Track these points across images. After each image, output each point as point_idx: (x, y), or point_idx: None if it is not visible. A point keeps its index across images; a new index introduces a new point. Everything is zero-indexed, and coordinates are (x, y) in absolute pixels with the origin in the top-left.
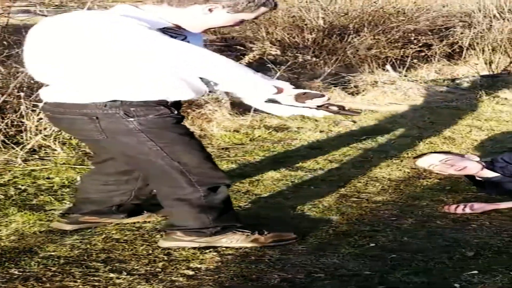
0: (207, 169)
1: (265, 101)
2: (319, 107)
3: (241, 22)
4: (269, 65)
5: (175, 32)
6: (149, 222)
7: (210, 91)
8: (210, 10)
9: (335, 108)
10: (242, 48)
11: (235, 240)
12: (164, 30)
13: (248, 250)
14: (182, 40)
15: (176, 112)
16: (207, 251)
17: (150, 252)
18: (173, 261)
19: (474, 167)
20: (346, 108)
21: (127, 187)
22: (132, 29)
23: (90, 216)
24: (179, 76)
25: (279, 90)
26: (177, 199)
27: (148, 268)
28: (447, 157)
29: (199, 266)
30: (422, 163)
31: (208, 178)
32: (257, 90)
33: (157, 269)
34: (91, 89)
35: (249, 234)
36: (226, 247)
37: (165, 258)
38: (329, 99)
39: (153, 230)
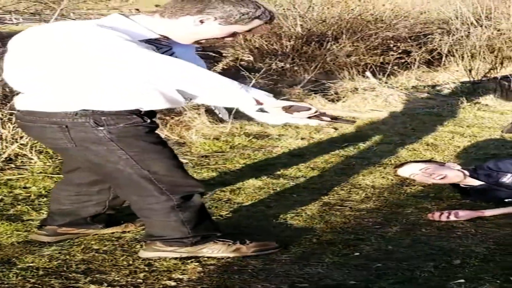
0: (179, 178)
1: (257, 111)
2: (311, 117)
3: (234, 34)
4: (243, 72)
5: (160, 43)
6: (128, 232)
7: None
8: (201, 21)
9: (327, 118)
10: (216, 55)
11: (217, 250)
12: (150, 41)
13: (230, 260)
14: (167, 51)
15: (149, 120)
16: (188, 261)
17: (131, 262)
18: (154, 271)
19: (455, 175)
20: (339, 118)
21: (100, 197)
22: (105, 39)
23: (68, 228)
24: (153, 86)
25: (258, 103)
26: (150, 208)
27: (129, 279)
28: (427, 166)
29: (181, 276)
30: (403, 172)
31: (179, 186)
32: (237, 103)
33: (138, 280)
34: (61, 98)
35: (231, 243)
36: (208, 257)
37: (146, 268)
38: (316, 111)
39: (133, 240)
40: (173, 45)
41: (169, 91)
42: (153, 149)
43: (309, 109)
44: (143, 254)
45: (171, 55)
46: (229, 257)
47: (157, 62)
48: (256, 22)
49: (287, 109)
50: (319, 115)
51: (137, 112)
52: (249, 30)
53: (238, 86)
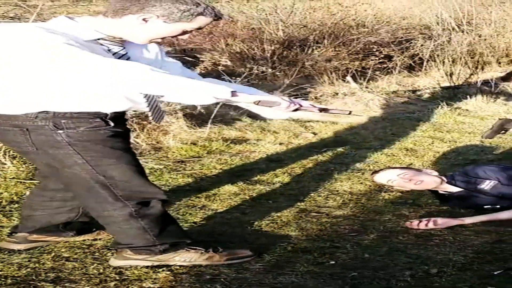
0: (136, 184)
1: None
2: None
3: (186, 32)
4: (223, 76)
5: (110, 45)
6: (99, 239)
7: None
8: (144, 20)
9: (316, 110)
10: (192, 59)
11: (189, 258)
12: (99, 42)
13: (202, 269)
14: (118, 52)
15: (112, 124)
16: (160, 270)
17: (101, 271)
18: (125, 280)
19: (432, 181)
20: (331, 109)
21: (74, 203)
22: (57, 42)
23: (39, 235)
24: (113, 89)
25: (234, 94)
26: (108, 215)
27: None
28: (404, 171)
29: (152, 285)
30: (380, 178)
31: (136, 192)
32: (209, 97)
33: None
34: (22, 100)
35: (203, 251)
36: (180, 266)
37: (117, 277)
38: (289, 105)
39: (104, 248)
40: (128, 46)
41: (130, 93)
42: (112, 154)
43: (279, 103)
44: (114, 262)
45: (123, 55)
46: (201, 266)
47: (116, 66)
48: (202, 19)
49: (257, 104)
50: (307, 107)
51: (101, 116)
52: (199, 28)
53: (206, 81)
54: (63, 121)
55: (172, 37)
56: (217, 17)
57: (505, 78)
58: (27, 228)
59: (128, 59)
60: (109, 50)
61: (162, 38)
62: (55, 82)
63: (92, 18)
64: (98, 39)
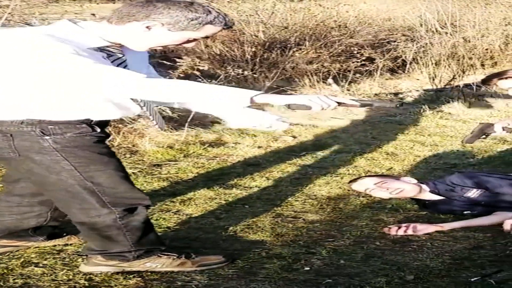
0: (123, 190)
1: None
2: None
3: (191, 41)
4: (199, 79)
5: (111, 51)
6: (70, 245)
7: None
8: (148, 27)
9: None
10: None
11: (161, 264)
12: (101, 49)
13: (174, 275)
14: (118, 59)
15: (98, 130)
16: (130, 276)
17: (71, 277)
18: (94, 287)
19: (411, 189)
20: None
21: (42, 208)
22: (56, 51)
23: (8, 240)
24: (104, 97)
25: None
26: (91, 222)
27: None
28: (382, 180)
29: None
30: (357, 187)
31: (123, 198)
32: (229, 100)
33: None
34: (7, 106)
35: (176, 257)
36: (151, 272)
37: (86, 284)
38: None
39: (74, 253)
40: (126, 52)
41: (121, 101)
42: (99, 160)
43: (310, 107)
44: (84, 268)
45: (122, 62)
46: (173, 272)
47: (110, 75)
48: (210, 28)
49: (288, 108)
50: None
51: (87, 122)
52: (207, 37)
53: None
54: (50, 127)
55: (176, 45)
56: (227, 26)
57: (485, 81)
58: None
59: (125, 66)
60: (109, 56)
61: (163, 46)
62: (46, 90)
63: (97, 24)
64: (103, 46)
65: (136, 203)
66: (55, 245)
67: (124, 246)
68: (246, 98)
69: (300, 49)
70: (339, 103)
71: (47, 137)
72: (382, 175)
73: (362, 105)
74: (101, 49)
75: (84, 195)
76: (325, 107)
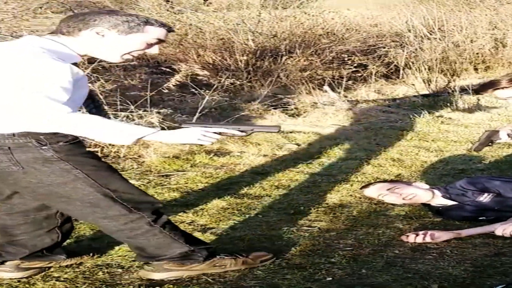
0: (137, 194)
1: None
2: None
3: (151, 45)
4: (193, 90)
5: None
6: (89, 258)
7: None
8: (98, 33)
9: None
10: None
11: (229, 265)
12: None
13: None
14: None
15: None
16: None
17: None
18: None
19: (424, 194)
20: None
21: (49, 222)
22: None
23: (30, 261)
24: None
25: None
26: (126, 228)
27: None
28: (395, 185)
29: None
30: (370, 193)
31: (142, 203)
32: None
33: None
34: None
35: (236, 257)
36: (221, 273)
37: None
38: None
39: (94, 266)
40: None
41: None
42: (103, 166)
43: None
44: (154, 275)
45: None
46: (239, 270)
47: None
48: (152, 29)
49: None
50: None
51: None
52: (161, 40)
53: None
54: (41, 136)
55: (141, 51)
56: (167, 27)
57: (479, 91)
58: (14, 254)
59: None
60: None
61: (130, 53)
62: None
63: (64, 38)
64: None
65: (156, 205)
66: (80, 263)
67: (181, 246)
68: (133, 136)
69: (292, 57)
70: (220, 133)
71: (45, 147)
72: (394, 181)
73: (243, 132)
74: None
75: (106, 203)
76: (207, 143)
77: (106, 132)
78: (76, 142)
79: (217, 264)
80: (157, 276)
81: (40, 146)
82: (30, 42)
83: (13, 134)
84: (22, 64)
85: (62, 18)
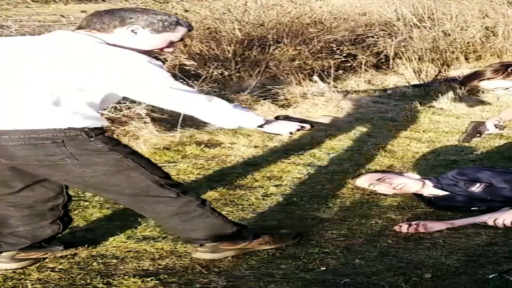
0: (171, 180)
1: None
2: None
3: (172, 43)
4: (182, 80)
5: None
6: (86, 248)
7: None
8: (133, 31)
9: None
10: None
11: (270, 243)
12: None
13: (191, 277)
14: None
15: None
16: (148, 279)
17: (88, 281)
18: None
19: (414, 184)
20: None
21: (53, 214)
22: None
23: (27, 252)
24: None
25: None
26: (181, 212)
27: None
28: (385, 175)
29: None
30: (361, 183)
31: (185, 187)
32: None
33: None
34: (55, 114)
35: (272, 236)
36: (262, 250)
37: (105, 287)
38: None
39: (89, 257)
40: None
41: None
42: (138, 153)
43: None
44: (213, 256)
45: None
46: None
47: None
48: (181, 29)
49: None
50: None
51: None
52: (181, 39)
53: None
54: (86, 129)
55: (160, 49)
56: (190, 27)
57: (464, 83)
58: (13, 245)
59: None
60: None
61: (153, 51)
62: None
63: (99, 34)
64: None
65: (196, 191)
66: (75, 254)
67: (231, 227)
68: (258, 122)
69: (280, 46)
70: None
71: (93, 139)
72: (385, 171)
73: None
74: None
75: (157, 189)
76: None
77: (233, 114)
78: (105, 133)
79: (262, 242)
80: (214, 256)
81: (89, 139)
82: (82, 37)
83: (65, 128)
84: (109, 58)
85: (91, 14)
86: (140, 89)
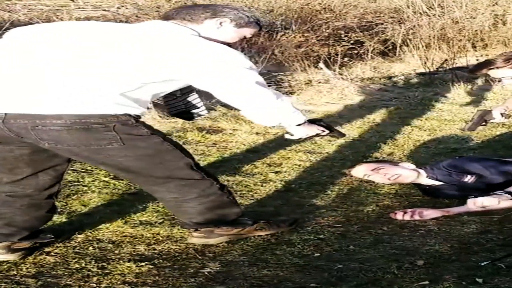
0: (197, 162)
1: None
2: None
3: (244, 38)
4: None
5: None
6: (80, 233)
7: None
8: (221, 23)
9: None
10: None
11: (266, 229)
12: None
13: (186, 262)
14: None
15: None
16: (143, 263)
17: (83, 265)
18: (107, 275)
19: (409, 175)
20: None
21: (48, 201)
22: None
23: (20, 243)
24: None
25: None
26: (205, 194)
27: (82, 284)
28: (379, 165)
29: (135, 280)
30: (356, 173)
31: (205, 169)
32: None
33: (92, 284)
34: (113, 100)
35: (267, 222)
36: (259, 236)
37: (99, 272)
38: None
39: (84, 242)
40: None
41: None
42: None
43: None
44: (209, 241)
45: None
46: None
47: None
48: (257, 27)
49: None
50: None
51: None
52: (252, 36)
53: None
54: (133, 114)
55: (230, 44)
56: (261, 29)
57: (473, 71)
58: (10, 236)
59: None
60: None
61: (227, 43)
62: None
63: (190, 24)
64: None
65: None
66: (71, 238)
67: (238, 212)
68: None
69: (287, 32)
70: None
71: (138, 124)
72: (380, 161)
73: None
74: None
75: (187, 171)
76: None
77: (286, 109)
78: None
79: (258, 228)
80: (211, 241)
81: (136, 123)
82: (175, 27)
83: (121, 114)
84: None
85: (180, 7)
86: (224, 84)
